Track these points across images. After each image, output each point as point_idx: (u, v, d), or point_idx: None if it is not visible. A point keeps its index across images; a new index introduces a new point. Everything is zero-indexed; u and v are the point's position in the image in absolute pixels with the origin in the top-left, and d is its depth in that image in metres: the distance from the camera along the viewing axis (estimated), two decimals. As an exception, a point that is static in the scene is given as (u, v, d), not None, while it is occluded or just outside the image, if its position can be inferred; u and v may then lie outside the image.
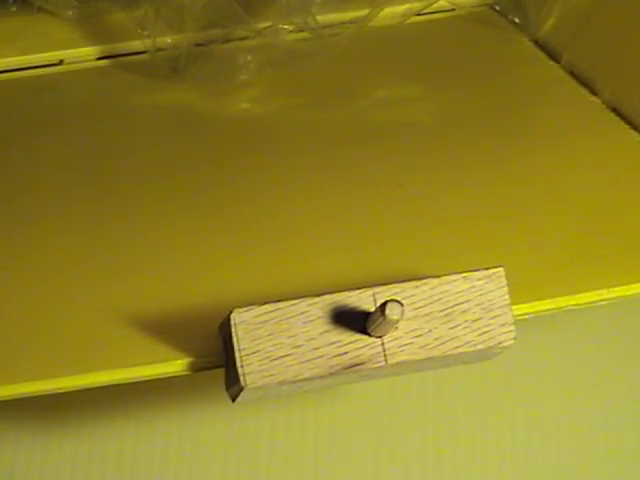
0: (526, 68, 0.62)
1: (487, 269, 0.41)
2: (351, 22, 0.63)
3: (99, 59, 0.64)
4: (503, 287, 0.41)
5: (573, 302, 0.45)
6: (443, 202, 0.51)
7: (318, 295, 0.40)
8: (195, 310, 0.44)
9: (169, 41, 0.62)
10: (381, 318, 0.39)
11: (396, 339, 0.40)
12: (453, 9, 0.66)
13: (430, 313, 0.41)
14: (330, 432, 0.60)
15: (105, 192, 0.53)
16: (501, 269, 0.41)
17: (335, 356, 0.40)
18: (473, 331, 0.41)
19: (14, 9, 0.65)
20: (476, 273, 0.41)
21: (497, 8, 0.66)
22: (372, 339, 0.40)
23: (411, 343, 0.41)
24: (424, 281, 0.41)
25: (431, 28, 0.65)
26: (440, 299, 0.41)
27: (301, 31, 0.62)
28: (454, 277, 0.41)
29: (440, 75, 0.62)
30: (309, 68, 0.61)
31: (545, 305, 0.45)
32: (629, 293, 0.45)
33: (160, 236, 0.50)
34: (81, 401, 0.59)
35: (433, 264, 0.45)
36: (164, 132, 0.59)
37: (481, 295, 0.41)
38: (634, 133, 0.55)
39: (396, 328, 0.40)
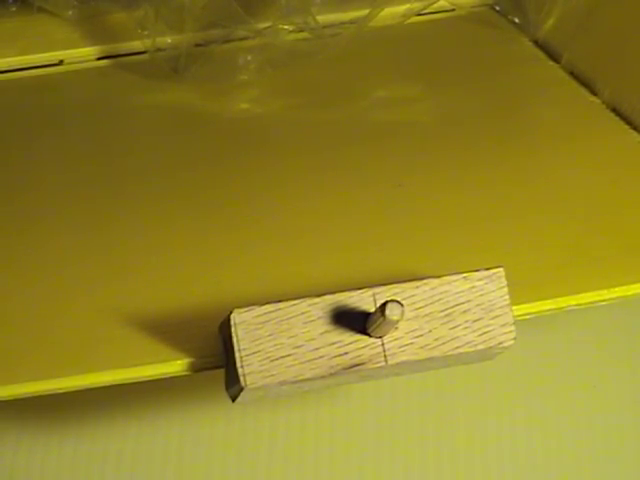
0: (526, 68, 0.62)
1: (487, 269, 0.41)
2: (351, 22, 0.63)
3: (99, 59, 0.64)
4: (503, 287, 0.41)
5: (573, 302, 0.45)
6: (443, 202, 0.51)
7: (318, 295, 0.40)
8: (195, 310, 0.44)
9: (169, 41, 0.62)
10: (381, 318, 0.39)
11: (396, 339, 0.40)
12: (453, 9, 0.66)
13: (430, 313, 0.41)
14: (330, 432, 0.60)
15: (105, 192, 0.53)
16: (501, 269, 0.41)
17: (335, 356, 0.40)
18: (473, 331, 0.41)
19: (14, 9, 0.65)
20: (476, 273, 0.41)
21: (497, 8, 0.66)
22: (372, 339, 0.40)
23: (411, 343, 0.41)
24: (424, 281, 0.41)
25: (431, 28, 0.65)
26: (440, 299, 0.41)
27: (301, 31, 0.62)
28: (454, 277, 0.41)
29: (440, 75, 0.62)
30: (309, 68, 0.61)
31: (545, 305, 0.45)
32: (629, 293, 0.45)
33: (160, 236, 0.50)
34: (81, 401, 0.59)
35: (433, 264, 0.45)
36: (164, 132, 0.59)
37: (481, 295, 0.41)
38: (634, 133, 0.55)
39: (396, 328, 0.40)
